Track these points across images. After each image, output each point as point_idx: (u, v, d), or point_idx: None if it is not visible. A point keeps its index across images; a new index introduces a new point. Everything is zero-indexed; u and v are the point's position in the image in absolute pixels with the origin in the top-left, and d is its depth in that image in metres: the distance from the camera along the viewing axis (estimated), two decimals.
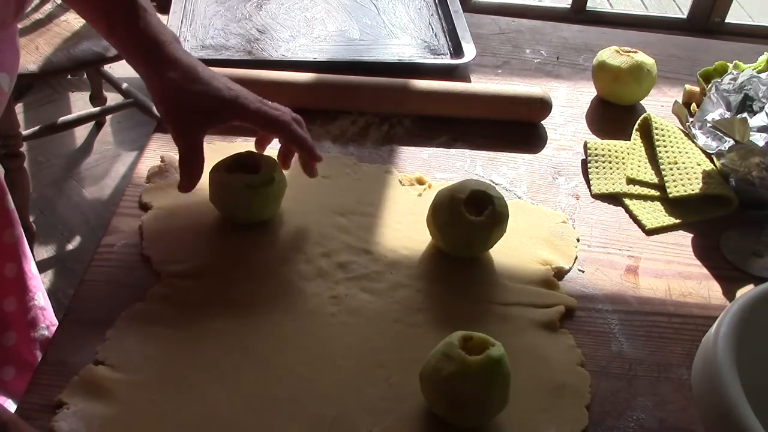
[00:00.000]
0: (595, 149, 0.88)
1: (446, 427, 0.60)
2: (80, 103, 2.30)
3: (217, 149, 0.82)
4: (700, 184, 0.83)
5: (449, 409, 0.58)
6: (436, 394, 0.59)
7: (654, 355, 0.68)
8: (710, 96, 0.87)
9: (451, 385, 0.57)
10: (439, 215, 0.71)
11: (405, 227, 0.75)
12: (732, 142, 0.80)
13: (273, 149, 0.84)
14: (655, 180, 0.85)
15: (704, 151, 0.86)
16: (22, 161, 1.74)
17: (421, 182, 0.81)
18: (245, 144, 0.84)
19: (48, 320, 0.82)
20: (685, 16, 2.70)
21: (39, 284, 0.84)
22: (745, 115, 0.79)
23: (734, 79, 0.86)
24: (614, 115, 0.96)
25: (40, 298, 0.83)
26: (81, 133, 2.23)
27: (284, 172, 0.75)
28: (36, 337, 0.81)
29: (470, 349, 0.58)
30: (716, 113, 0.84)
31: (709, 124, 0.83)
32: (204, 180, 0.76)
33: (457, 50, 1.00)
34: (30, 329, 0.81)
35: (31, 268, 0.83)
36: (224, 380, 0.61)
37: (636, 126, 0.91)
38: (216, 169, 0.72)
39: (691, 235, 0.81)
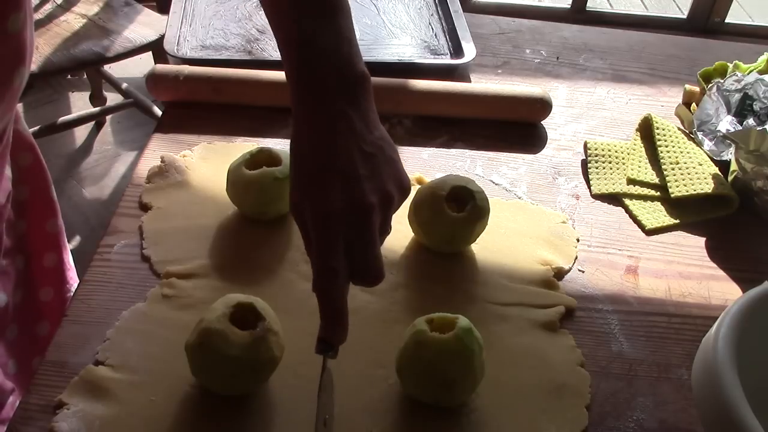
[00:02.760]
0: (595, 149, 0.88)
1: (446, 426, 0.60)
2: (80, 103, 2.30)
3: (217, 149, 0.82)
4: (702, 184, 0.83)
5: (440, 391, 0.59)
6: (423, 382, 0.59)
7: (654, 355, 0.68)
8: (710, 95, 0.87)
9: (437, 367, 0.58)
10: (421, 213, 0.72)
11: (405, 227, 0.75)
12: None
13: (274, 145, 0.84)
14: (656, 180, 0.85)
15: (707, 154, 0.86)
16: None
17: (420, 182, 0.81)
18: (245, 144, 0.84)
19: None
20: (685, 16, 2.70)
21: (75, 275, 0.84)
22: (765, 127, 0.77)
23: (738, 81, 0.86)
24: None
25: None
26: (81, 133, 2.23)
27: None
28: None
29: (438, 330, 0.59)
30: (716, 113, 0.84)
31: (720, 134, 0.83)
32: (204, 180, 0.76)
33: (457, 50, 1.00)
34: None
35: (69, 259, 0.83)
36: None
37: (636, 126, 0.91)
38: (236, 169, 0.72)
39: (691, 235, 0.81)
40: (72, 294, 0.82)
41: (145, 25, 1.83)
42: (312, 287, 0.53)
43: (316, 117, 0.55)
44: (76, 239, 1.91)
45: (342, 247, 0.52)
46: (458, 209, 0.70)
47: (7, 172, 0.73)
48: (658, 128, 0.89)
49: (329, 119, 0.54)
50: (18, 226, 0.78)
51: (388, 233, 0.57)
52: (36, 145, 0.78)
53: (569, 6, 2.64)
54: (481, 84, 0.94)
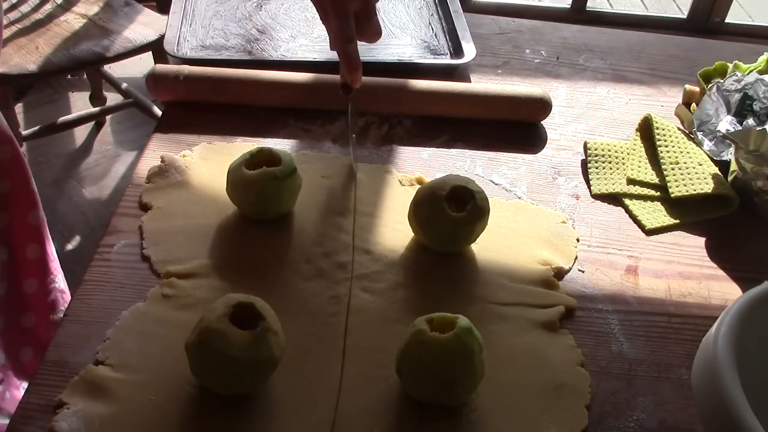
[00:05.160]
0: (595, 149, 0.88)
1: (446, 426, 0.60)
2: (80, 103, 2.30)
3: (217, 149, 0.82)
4: (702, 184, 0.83)
5: (440, 391, 0.59)
6: (423, 382, 0.59)
7: (654, 355, 0.68)
8: (710, 95, 0.87)
9: (437, 367, 0.58)
10: (421, 212, 0.72)
11: (405, 227, 0.75)
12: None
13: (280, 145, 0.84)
14: (656, 180, 0.85)
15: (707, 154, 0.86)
16: None
17: (421, 182, 0.81)
18: (245, 144, 0.84)
19: (67, 303, 0.83)
20: (685, 16, 2.70)
21: (59, 267, 0.85)
22: (765, 127, 0.78)
23: (737, 81, 0.86)
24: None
25: (60, 281, 0.84)
26: (81, 133, 2.23)
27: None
28: (55, 319, 0.81)
29: (438, 330, 0.59)
30: (716, 113, 0.84)
31: (720, 134, 0.83)
32: (204, 180, 0.76)
33: (457, 50, 1.00)
34: (49, 311, 0.82)
35: (52, 250, 0.83)
36: None
37: (636, 126, 0.91)
38: (236, 169, 0.72)
39: (691, 235, 0.81)
40: (56, 285, 0.82)
41: (145, 25, 1.83)
42: (330, 47, 0.75)
43: None
44: (76, 239, 1.91)
45: (353, 18, 0.71)
46: (458, 209, 0.70)
47: None
48: (658, 128, 0.89)
49: None
50: (0, 218, 0.79)
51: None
52: (14, 139, 0.79)
53: (569, 6, 2.64)
54: (481, 84, 0.94)
